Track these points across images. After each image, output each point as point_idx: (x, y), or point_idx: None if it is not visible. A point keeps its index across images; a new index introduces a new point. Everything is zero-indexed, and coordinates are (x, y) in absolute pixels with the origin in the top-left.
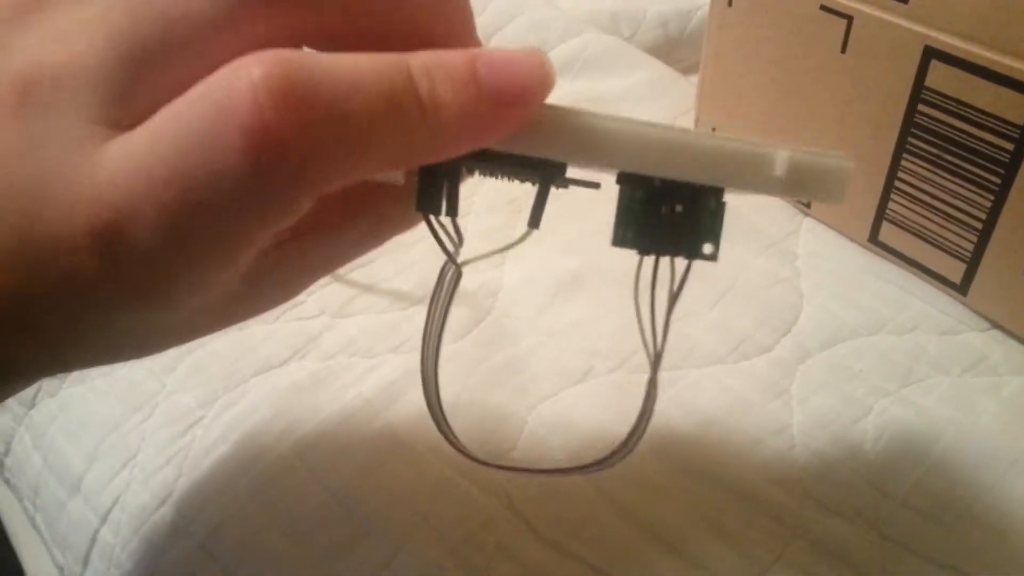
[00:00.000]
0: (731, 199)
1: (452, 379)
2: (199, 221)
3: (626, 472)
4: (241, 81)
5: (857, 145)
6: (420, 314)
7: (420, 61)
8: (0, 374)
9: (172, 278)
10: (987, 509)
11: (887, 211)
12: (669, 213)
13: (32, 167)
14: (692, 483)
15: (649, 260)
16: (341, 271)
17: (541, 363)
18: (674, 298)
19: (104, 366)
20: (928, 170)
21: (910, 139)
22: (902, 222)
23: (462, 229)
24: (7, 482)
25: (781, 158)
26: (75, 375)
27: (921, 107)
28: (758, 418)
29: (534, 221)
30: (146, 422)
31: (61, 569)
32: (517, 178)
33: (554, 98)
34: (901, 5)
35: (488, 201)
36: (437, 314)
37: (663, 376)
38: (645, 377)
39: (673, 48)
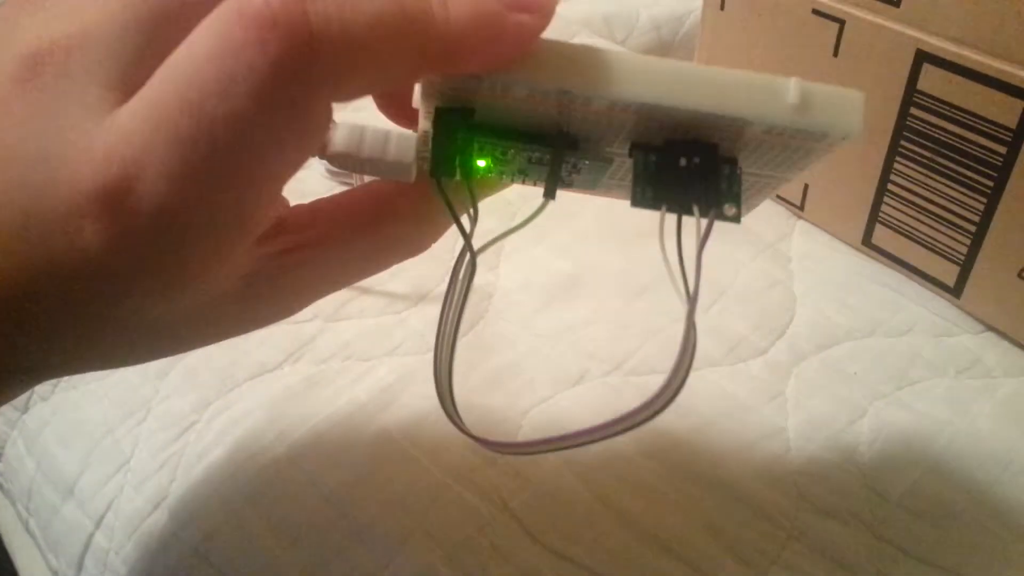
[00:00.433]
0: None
1: None
2: (215, 150)
3: (621, 475)
4: None
5: (850, 148)
6: (415, 318)
7: None
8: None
9: (184, 244)
10: (982, 510)
11: (880, 214)
12: (686, 168)
13: (39, 142)
14: (688, 486)
15: (672, 218)
16: None
17: (536, 366)
18: (704, 238)
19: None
20: (921, 173)
21: (903, 142)
22: (895, 225)
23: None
24: (0, 487)
25: (793, 83)
26: (68, 380)
27: (913, 110)
28: (753, 421)
29: (550, 191)
30: (140, 426)
31: (55, 573)
32: (528, 151)
33: None
34: (893, 9)
35: (485, 203)
36: (455, 300)
37: (659, 379)
38: (644, 378)
39: (666, 51)
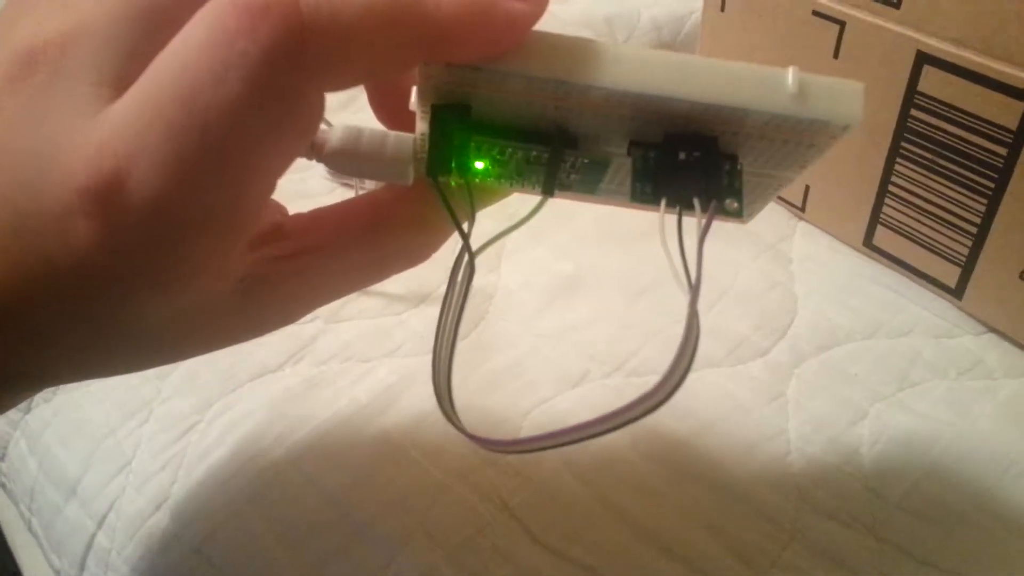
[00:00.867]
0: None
1: None
2: (208, 142)
3: (621, 475)
4: None
5: (850, 150)
6: (415, 319)
7: None
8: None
9: (178, 240)
10: (983, 512)
11: (881, 215)
12: (686, 161)
13: (31, 141)
14: (688, 487)
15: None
16: None
17: (537, 367)
18: (704, 230)
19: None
20: (922, 174)
21: (903, 144)
22: (896, 226)
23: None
24: (3, 487)
25: (791, 72)
26: None
27: (914, 112)
28: (754, 422)
29: (548, 188)
30: (141, 427)
31: (58, 573)
32: (526, 149)
33: None
34: (893, 10)
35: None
36: (454, 302)
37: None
38: (645, 379)
39: None
